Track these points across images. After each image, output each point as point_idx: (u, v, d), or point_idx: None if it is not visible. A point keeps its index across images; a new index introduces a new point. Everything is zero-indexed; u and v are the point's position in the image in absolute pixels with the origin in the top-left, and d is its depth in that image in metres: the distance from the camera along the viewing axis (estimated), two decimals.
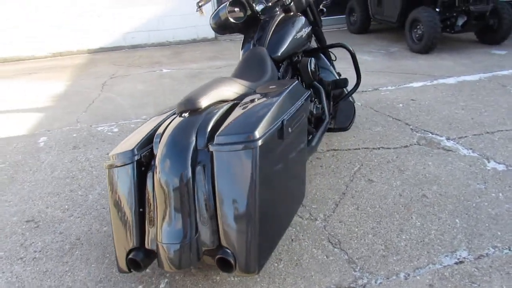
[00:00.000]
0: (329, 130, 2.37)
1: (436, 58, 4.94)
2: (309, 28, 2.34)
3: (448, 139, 2.76)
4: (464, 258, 1.69)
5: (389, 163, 2.49)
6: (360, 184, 2.29)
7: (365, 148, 2.71)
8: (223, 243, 1.36)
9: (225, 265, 1.36)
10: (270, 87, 1.66)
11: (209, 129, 1.46)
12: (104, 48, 6.84)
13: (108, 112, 3.77)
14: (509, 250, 1.71)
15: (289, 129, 1.48)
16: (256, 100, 1.54)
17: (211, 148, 1.36)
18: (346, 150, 2.71)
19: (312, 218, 2.03)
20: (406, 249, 1.77)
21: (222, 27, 2.46)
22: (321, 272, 1.66)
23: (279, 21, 2.27)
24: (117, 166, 1.51)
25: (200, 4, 2.23)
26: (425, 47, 5.01)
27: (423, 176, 2.32)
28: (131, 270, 1.51)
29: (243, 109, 1.49)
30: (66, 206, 2.25)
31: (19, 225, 2.11)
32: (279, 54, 2.13)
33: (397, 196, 2.16)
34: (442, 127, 2.95)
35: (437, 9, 4.99)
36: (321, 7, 2.74)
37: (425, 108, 3.34)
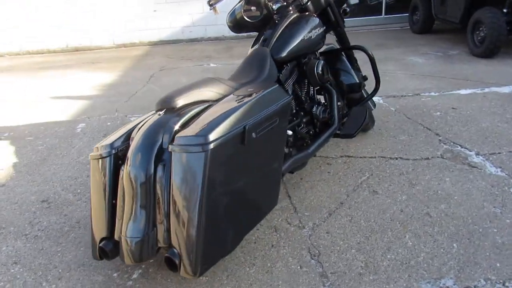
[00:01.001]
0: (334, 136, 2.27)
1: (498, 63, 4.48)
2: (322, 29, 2.25)
3: (477, 154, 2.51)
4: (447, 287, 1.54)
5: (402, 175, 2.33)
6: (362, 195, 2.17)
7: (381, 157, 2.56)
8: (173, 242, 1.38)
9: (172, 265, 1.38)
10: (248, 90, 1.64)
11: (175, 128, 1.48)
12: (164, 41, 7.16)
13: (146, 103, 3.96)
14: (503, 285, 1.53)
15: (253, 134, 1.45)
16: (226, 102, 1.53)
17: (170, 148, 1.38)
18: (360, 157, 2.58)
19: (300, 225, 1.97)
20: (387, 269, 1.65)
21: (238, 26, 2.45)
22: (289, 283, 1.62)
23: (290, 21, 2.21)
24: (97, 158, 1.59)
25: (211, 2, 2.24)
26: (487, 51, 4.57)
27: (434, 192, 2.14)
28: (102, 258, 1.59)
29: (211, 111, 1.49)
30: (79, 190, 2.42)
31: (34, 204, 2.31)
32: (283, 55, 2.08)
33: (397, 211, 2.02)
34: (476, 140, 2.68)
35: (505, 10, 4.51)
36: (344, 7, 2.62)
37: (464, 118, 3.06)
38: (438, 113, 3.18)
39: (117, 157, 1.56)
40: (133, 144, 1.50)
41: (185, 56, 6.10)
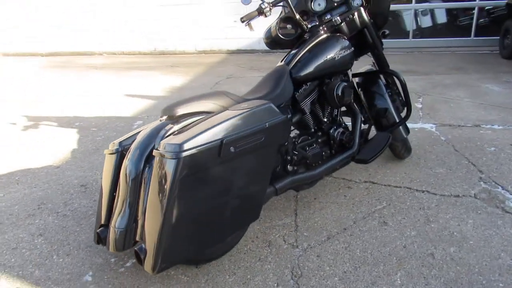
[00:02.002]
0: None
1: None
2: (349, 51, 2.21)
3: None
4: None
5: (421, 210, 2.19)
6: (370, 224, 2.09)
7: (407, 187, 2.43)
8: (144, 238, 1.50)
9: (140, 258, 1.50)
10: (242, 105, 1.70)
11: (166, 135, 1.61)
12: (240, 50, 7.47)
13: None
14: None
15: (231, 148, 1.51)
16: (217, 115, 1.61)
17: (154, 151, 1.51)
18: (384, 185, 2.47)
19: (295, 245, 1.97)
20: None
21: (273, 43, 2.53)
22: None
23: (317, 41, 2.22)
24: (109, 153, 1.79)
25: (242, 20, 2.34)
26: None
27: (448, 233, 1.98)
28: (99, 243, 1.78)
29: (202, 122, 1.58)
30: None
31: (74, 187, 2.63)
32: (302, 74, 2.10)
33: (399, 246, 1.91)
34: None
35: None
36: (384, 30, 2.54)
37: None
38: (492, 149, 2.89)
39: (122, 155, 1.74)
40: (133, 145, 1.67)
41: (254, 66, 6.31)
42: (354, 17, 2.31)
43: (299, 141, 2.15)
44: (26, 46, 8.35)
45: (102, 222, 1.74)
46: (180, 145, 1.42)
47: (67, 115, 4.15)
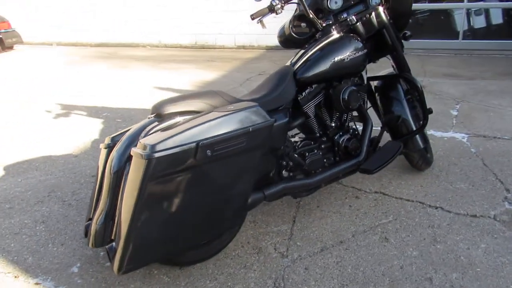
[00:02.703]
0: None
1: None
2: (361, 53, 2.06)
3: None
4: None
5: (430, 228, 2.02)
6: (369, 239, 1.96)
7: (419, 202, 2.25)
8: (116, 237, 1.49)
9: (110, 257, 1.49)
10: (229, 107, 1.63)
11: (150, 133, 1.58)
12: (278, 46, 7.34)
13: None
14: None
15: (208, 152, 1.45)
16: (202, 116, 1.56)
17: (131, 150, 1.49)
18: (396, 197, 2.31)
19: (285, 254, 1.89)
20: None
21: (286, 41, 2.44)
22: None
23: (327, 41, 2.09)
24: (102, 148, 1.80)
25: (253, 17, 2.26)
26: None
27: (455, 257, 1.81)
28: (86, 236, 1.80)
29: (183, 122, 1.54)
30: None
31: (85, 177, 2.69)
32: (306, 76, 1.99)
33: (396, 266, 1.77)
34: None
35: None
36: (406, 31, 2.36)
37: None
38: None
39: (111, 150, 1.74)
40: (119, 141, 1.66)
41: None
42: (371, 16, 2.15)
43: (300, 146, 2.05)
44: (78, 37, 8.77)
45: (90, 216, 1.76)
46: (153, 146, 1.38)
47: (97, 105, 4.29)
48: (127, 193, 1.44)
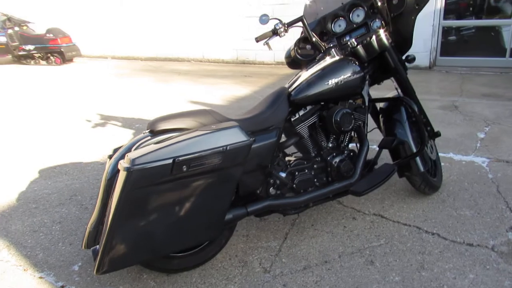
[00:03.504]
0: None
1: None
2: (357, 76, 2.08)
3: None
4: None
5: (420, 254, 1.99)
6: (355, 261, 1.97)
7: (416, 227, 2.21)
8: (100, 240, 1.64)
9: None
10: (212, 126, 1.74)
11: (140, 147, 1.73)
12: None
13: None
14: None
15: (184, 167, 1.57)
16: (181, 135, 1.68)
17: (119, 162, 1.64)
18: (393, 221, 2.29)
19: (267, 270, 1.95)
20: None
21: (292, 63, 2.54)
22: None
23: (323, 64, 2.15)
24: (107, 157, 1.99)
25: (257, 39, 2.36)
26: None
27: (437, 286, 1.77)
28: None
29: (165, 139, 1.68)
30: None
31: None
32: (299, 97, 2.06)
33: None
34: None
35: None
36: (409, 54, 2.35)
37: None
38: None
39: None
40: (115, 154, 1.83)
41: None
42: (372, 39, 2.18)
43: (291, 165, 2.12)
44: (131, 51, 9.38)
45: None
46: (134, 160, 1.52)
47: (133, 116, 4.59)
48: (113, 201, 1.59)
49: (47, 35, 8.67)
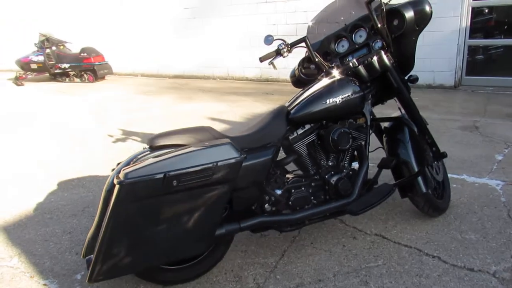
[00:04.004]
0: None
1: None
2: (355, 96, 2.09)
3: None
4: None
5: (417, 277, 1.95)
6: (349, 282, 1.95)
7: (417, 249, 2.17)
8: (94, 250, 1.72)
9: None
10: (205, 142, 1.80)
11: (138, 161, 1.82)
12: None
13: None
14: None
15: (174, 182, 1.63)
16: (176, 150, 1.75)
17: (115, 176, 1.72)
18: (394, 242, 2.25)
19: (261, 286, 1.97)
20: None
21: (296, 82, 2.58)
22: None
23: (323, 83, 2.18)
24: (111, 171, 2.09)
25: (261, 59, 2.42)
26: None
27: None
28: None
29: (159, 155, 1.75)
30: None
31: None
32: (298, 116, 2.10)
33: None
34: None
35: None
36: (412, 74, 2.34)
37: None
38: None
39: None
40: (117, 167, 1.92)
41: None
42: (373, 60, 2.20)
43: (289, 182, 2.14)
44: (159, 69, 9.72)
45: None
46: (126, 174, 1.61)
47: (152, 132, 4.74)
48: (106, 213, 1.68)
49: (82, 54, 9.12)
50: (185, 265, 1.98)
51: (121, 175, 1.61)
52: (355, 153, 2.33)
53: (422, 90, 6.38)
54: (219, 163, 1.71)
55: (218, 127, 4.82)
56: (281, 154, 2.19)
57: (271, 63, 2.44)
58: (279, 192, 2.08)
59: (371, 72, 2.22)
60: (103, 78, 9.65)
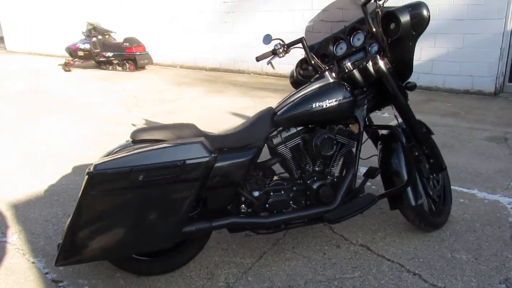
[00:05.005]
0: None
1: None
2: (344, 101, 2.02)
3: None
4: None
5: None
6: None
7: (400, 264, 2.08)
8: None
9: None
10: (179, 140, 1.83)
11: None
12: None
13: None
14: None
15: (140, 176, 1.67)
16: (148, 146, 1.79)
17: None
18: (378, 255, 2.18)
19: (230, 285, 1.98)
20: None
21: (295, 83, 2.56)
22: None
23: (312, 87, 2.14)
24: None
25: (258, 59, 2.39)
26: None
27: None
28: None
29: (132, 149, 1.80)
30: None
31: None
32: (283, 118, 2.07)
33: None
34: None
35: None
36: (409, 81, 2.23)
37: None
38: None
39: None
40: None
41: None
42: (368, 64, 2.12)
43: (269, 185, 2.12)
44: (198, 61, 9.90)
45: None
46: (96, 165, 1.68)
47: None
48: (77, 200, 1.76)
49: (124, 44, 9.48)
50: (159, 258, 2.04)
51: (91, 166, 1.68)
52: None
53: (458, 96, 6.04)
54: (187, 161, 1.73)
55: (234, 122, 4.86)
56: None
57: (270, 62, 2.42)
58: (257, 193, 2.07)
59: (366, 77, 2.14)
60: (143, 67, 9.96)
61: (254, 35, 8.63)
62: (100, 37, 9.79)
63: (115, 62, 9.80)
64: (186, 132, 1.99)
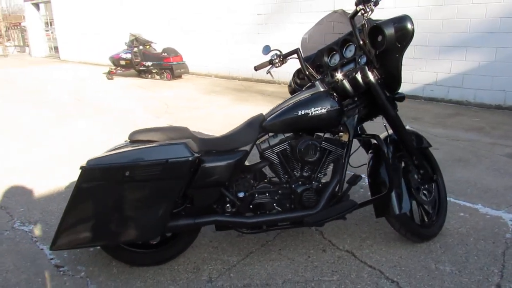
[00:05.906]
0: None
1: None
2: (330, 110, 2.09)
3: None
4: None
5: None
6: None
7: (380, 271, 2.11)
8: None
9: None
10: (165, 141, 1.99)
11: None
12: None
13: None
14: None
15: (127, 172, 1.85)
16: (138, 145, 1.97)
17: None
18: (361, 261, 2.22)
19: (212, 280, 2.10)
20: None
21: (292, 92, 2.66)
22: None
23: (301, 95, 2.23)
24: None
25: (256, 68, 2.52)
26: None
27: None
28: None
29: (125, 147, 1.98)
30: None
31: None
32: (270, 124, 2.18)
33: None
34: None
35: None
36: (399, 92, 2.26)
37: None
38: None
39: None
40: None
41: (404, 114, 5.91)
42: (357, 75, 2.19)
43: (257, 187, 2.23)
44: (231, 71, 10.20)
45: None
46: (89, 161, 1.87)
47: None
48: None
49: (163, 54, 9.96)
50: (150, 250, 2.20)
51: (85, 162, 1.87)
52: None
53: (489, 111, 5.85)
54: (169, 160, 1.89)
55: None
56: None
57: (269, 72, 2.55)
58: (242, 194, 2.18)
59: (355, 87, 2.21)
60: (180, 76, 10.39)
61: (285, 46, 8.77)
62: (141, 47, 10.34)
63: (154, 71, 10.30)
64: (179, 134, 2.15)
